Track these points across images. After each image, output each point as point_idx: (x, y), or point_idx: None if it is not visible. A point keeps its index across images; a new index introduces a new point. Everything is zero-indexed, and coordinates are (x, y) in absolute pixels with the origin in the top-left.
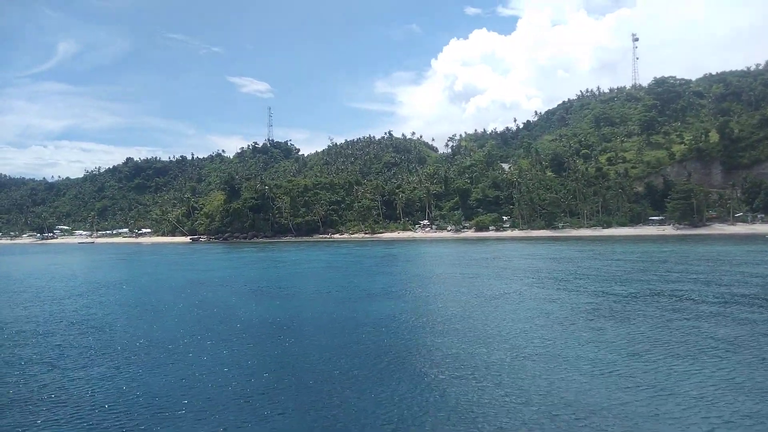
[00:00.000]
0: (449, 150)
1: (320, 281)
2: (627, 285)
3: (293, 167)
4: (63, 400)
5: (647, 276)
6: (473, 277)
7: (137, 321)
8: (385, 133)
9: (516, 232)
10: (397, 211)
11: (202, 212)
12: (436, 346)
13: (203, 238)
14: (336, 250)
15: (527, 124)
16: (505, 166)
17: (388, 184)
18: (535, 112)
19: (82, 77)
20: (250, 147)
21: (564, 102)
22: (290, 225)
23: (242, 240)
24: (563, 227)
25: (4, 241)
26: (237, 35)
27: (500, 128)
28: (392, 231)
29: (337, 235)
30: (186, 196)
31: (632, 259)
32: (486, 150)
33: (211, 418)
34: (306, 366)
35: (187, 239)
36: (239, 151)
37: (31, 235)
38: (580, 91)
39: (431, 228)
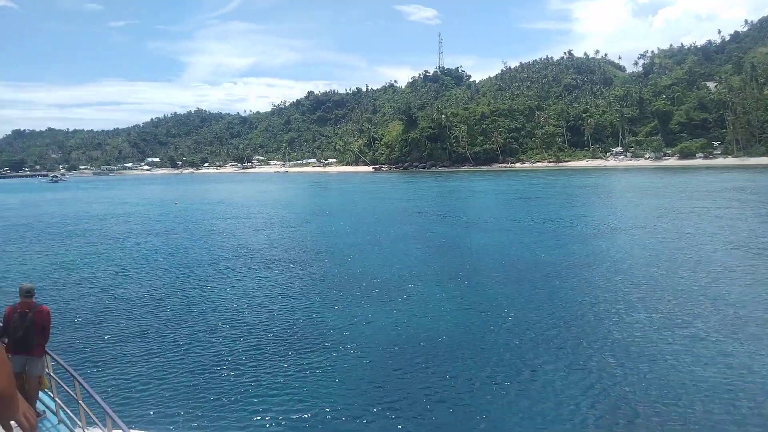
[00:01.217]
0: (640, 69)
1: (534, 214)
2: None
3: (465, 94)
4: (358, 341)
5: None
6: (734, 211)
7: (373, 253)
8: (565, 53)
9: (729, 160)
10: (584, 137)
11: (382, 142)
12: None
13: (384, 168)
14: (527, 180)
15: (735, 35)
16: (711, 84)
17: (573, 109)
18: (745, 21)
19: (262, 15)
20: (421, 76)
21: None
22: (468, 154)
23: (421, 169)
24: None
25: (212, 170)
26: None
27: (700, 42)
28: (579, 159)
29: (517, 164)
30: (365, 126)
31: None
32: (686, 67)
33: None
34: (572, 313)
35: (370, 169)
36: (410, 80)
37: (233, 165)
38: None
39: (625, 156)
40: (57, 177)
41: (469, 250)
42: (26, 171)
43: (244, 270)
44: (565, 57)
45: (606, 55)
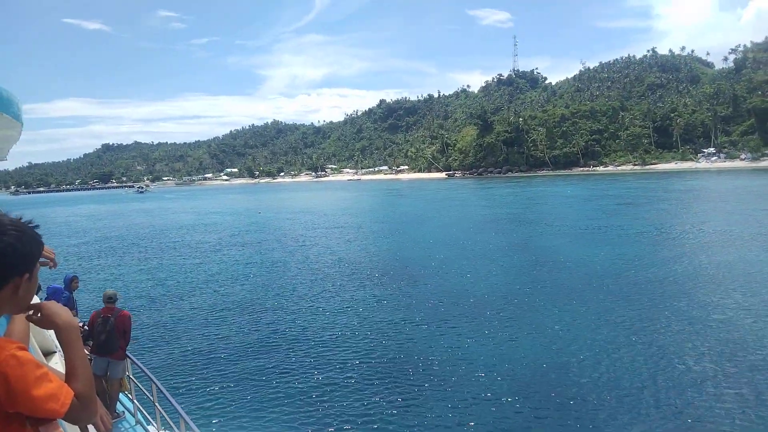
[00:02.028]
0: (730, 64)
1: (638, 221)
2: None
3: (541, 97)
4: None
5: None
6: None
7: (469, 266)
8: (648, 51)
9: None
10: (673, 138)
11: (455, 148)
12: None
13: (458, 174)
14: (617, 183)
15: None
16: None
17: (659, 108)
18: None
19: (336, 27)
20: (495, 80)
21: None
22: (547, 158)
23: (496, 175)
24: None
25: (287, 179)
26: None
27: None
28: (667, 162)
29: (600, 168)
30: (439, 132)
31: None
32: None
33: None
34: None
35: (443, 175)
36: (483, 84)
37: (308, 174)
38: None
39: (718, 157)
40: (143, 188)
41: (573, 263)
42: (113, 182)
43: (339, 283)
44: (648, 55)
45: (693, 51)
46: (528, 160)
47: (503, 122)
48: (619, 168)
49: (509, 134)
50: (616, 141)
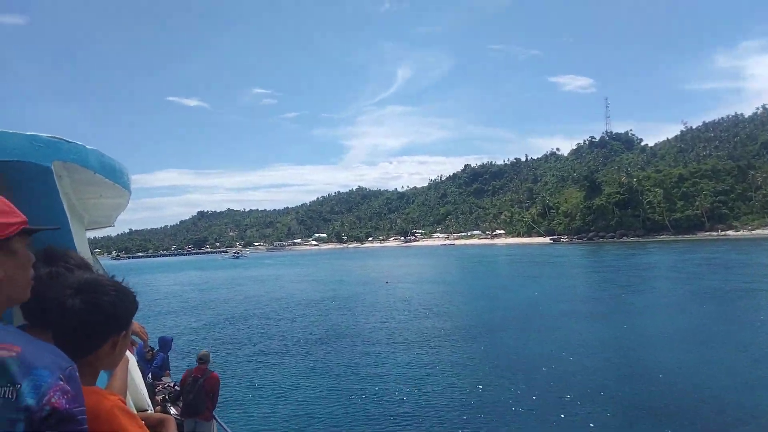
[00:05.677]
0: None
1: None
2: None
3: (640, 158)
4: None
5: None
6: None
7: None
8: (757, 108)
9: None
10: None
11: (559, 211)
12: None
13: (564, 239)
14: None
15: None
16: None
17: None
18: None
19: (416, 98)
20: (586, 142)
21: None
22: (666, 221)
23: (609, 240)
24: None
25: (376, 244)
26: (556, 33)
27: None
28: None
29: (730, 232)
30: (540, 195)
31: None
32: None
33: None
34: None
35: (546, 240)
36: (575, 147)
37: (396, 239)
38: None
39: None
40: (238, 254)
41: None
42: (207, 248)
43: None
44: (758, 112)
45: None
46: (644, 223)
47: (613, 183)
48: (753, 232)
49: (621, 196)
50: (747, 203)
